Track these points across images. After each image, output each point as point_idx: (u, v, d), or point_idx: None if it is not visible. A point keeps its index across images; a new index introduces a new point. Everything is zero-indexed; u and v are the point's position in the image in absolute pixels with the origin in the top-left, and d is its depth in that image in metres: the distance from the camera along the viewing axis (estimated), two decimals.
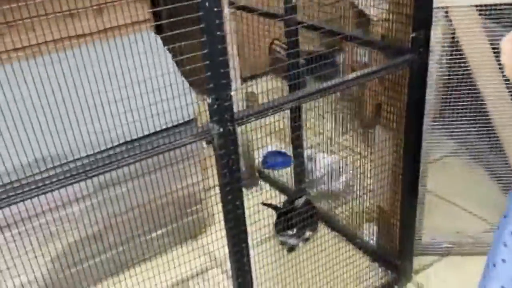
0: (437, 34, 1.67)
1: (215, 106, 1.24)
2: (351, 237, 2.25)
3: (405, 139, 1.73)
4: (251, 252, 1.61)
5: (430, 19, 1.53)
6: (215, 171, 1.35)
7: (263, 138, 2.97)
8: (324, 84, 1.46)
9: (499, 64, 1.71)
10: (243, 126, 2.47)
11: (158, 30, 2.16)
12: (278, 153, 3.01)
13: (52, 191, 1.13)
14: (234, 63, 2.31)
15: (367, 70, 1.50)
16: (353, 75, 1.48)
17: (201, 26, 1.13)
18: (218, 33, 1.16)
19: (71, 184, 1.15)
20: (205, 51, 1.17)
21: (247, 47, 2.80)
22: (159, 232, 2.20)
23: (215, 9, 1.13)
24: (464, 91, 1.88)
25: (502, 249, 1.00)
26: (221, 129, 1.28)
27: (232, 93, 1.26)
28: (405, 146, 1.75)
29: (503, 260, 1.00)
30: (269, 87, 2.76)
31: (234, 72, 2.33)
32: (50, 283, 1.96)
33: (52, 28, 1.91)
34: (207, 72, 1.19)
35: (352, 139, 2.43)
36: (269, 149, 3.01)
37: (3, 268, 1.73)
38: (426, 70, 1.60)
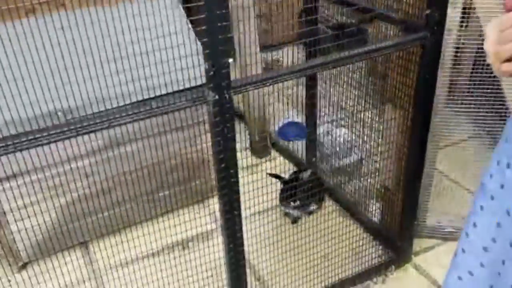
0: (456, 13, 1.60)
1: (211, 73, 1.24)
2: (356, 214, 2.25)
3: (413, 119, 1.69)
4: (254, 221, 1.64)
5: None
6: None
7: (280, 107, 2.99)
8: (329, 58, 1.43)
9: None
10: (258, 91, 2.51)
11: None
12: (295, 124, 2.99)
13: (56, 141, 1.17)
14: (250, 28, 2.28)
15: (375, 46, 1.45)
16: (359, 50, 1.44)
17: None
18: None
19: (67, 138, 1.18)
20: (203, 15, 1.16)
21: (277, 14, 2.75)
22: (167, 192, 2.25)
23: None
24: (482, 74, 1.81)
25: (478, 210, 1.00)
26: (217, 96, 1.28)
27: (230, 60, 1.25)
28: (413, 126, 1.71)
29: (475, 224, 1.00)
30: (295, 56, 2.74)
31: (249, 37, 2.31)
32: (57, 232, 2.05)
33: None
34: (204, 37, 1.19)
35: (370, 116, 2.39)
36: (287, 119, 3.01)
37: (14, 207, 1.82)
38: (440, 50, 1.55)
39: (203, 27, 1.17)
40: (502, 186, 0.91)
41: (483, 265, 0.97)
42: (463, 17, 1.63)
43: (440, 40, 1.53)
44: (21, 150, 1.13)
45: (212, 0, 1.14)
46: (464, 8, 1.63)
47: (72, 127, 1.15)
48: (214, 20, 1.17)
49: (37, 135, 1.14)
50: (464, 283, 1.02)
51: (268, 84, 1.36)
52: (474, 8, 1.60)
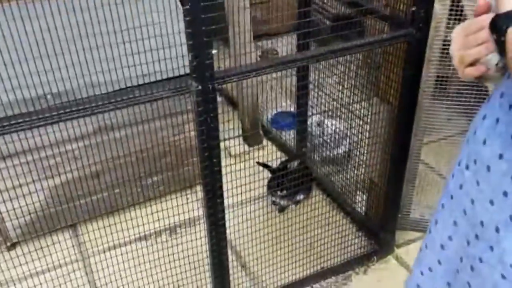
0: (444, 10, 1.61)
1: (195, 63, 1.26)
2: (342, 204, 2.28)
3: (398, 114, 1.71)
4: (241, 208, 1.67)
5: None
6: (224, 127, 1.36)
7: (273, 96, 3.00)
8: (316, 51, 1.44)
9: None
10: (251, 81, 2.53)
11: None
12: (288, 113, 3.01)
13: (40, 126, 1.20)
14: (245, 18, 2.29)
15: (359, 41, 1.47)
16: (346, 44, 1.45)
17: None
18: None
19: (52, 123, 1.21)
20: (187, 7, 1.17)
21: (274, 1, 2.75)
22: (155, 178, 2.28)
23: None
24: None
25: (440, 209, 1.03)
26: (200, 87, 1.30)
27: (213, 51, 1.27)
28: (398, 120, 1.73)
29: (436, 221, 1.03)
30: (290, 44, 2.75)
31: (244, 27, 2.32)
32: (46, 213, 2.09)
33: None
34: (187, 28, 1.20)
35: (358, 109, 2.41)
36: (280, 108, 3.03)
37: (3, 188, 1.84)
38: (425, 46, 1.56)
39: (187, 18, 1.18)
40: (460, 187, 0.94)
41: (440, 262, 1.00)
42: (452, 14, 1.64)
43: (425, 37, 1.54)
44: (9, 133, 1.15)
45: None
46: (452, 5, 1.63)
47: (55, 113, 1.18)
48: (197, 12, 1.18)
49: (25, 119, 1.17)
50: (424, 278, 1.06)
51: (253, 75, 1.38)
52: (462, 6, 1.61)
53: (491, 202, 0.85)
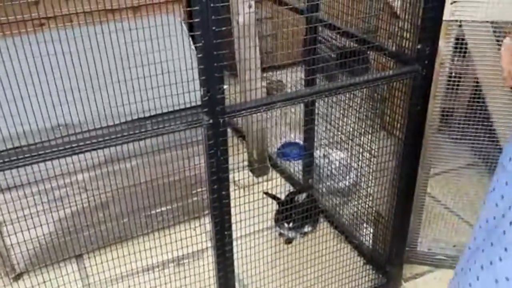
0: (448, 47, 1.65)
1: (207, 98, 1.29)
2: (349, 237, 2.27)
3: (404, 147, 1.73)
4: (249, 240, 1.67)
5: (437, 32, 1.52)
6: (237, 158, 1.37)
7: (279, 128, 3.03)
8: (317, 88, 1.48)
9: None
10: (257, 114, 2.56)
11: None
12: (295, 144, 3.04)
13: (53, 159, 1.22)
14: (255, 53, 2.34)
15: (366, 77, 1.50)
16: (351, 81, 1.48)
17: (194, 20, 1.16)
18: (214, 28, 1.20)
19: (64, 156, 1.23)
20: (199, 44, 1.21)
21: (280, 37, 2.82)
22: (163, 209, 2.29)
23: (211, 5, 1.16)
24: (477, 104, 1.84)
25: (494, 207, 1.04)
26: (211, 120, 1.32)
27: (225, 87, 1.30)
28: (404, 154, 1.74)
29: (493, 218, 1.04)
30: (298, 78, 2.79)
31: (253, 62, 2.36)
32: (53, 244, 2.09)
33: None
34: (200, 65, 1.24)
35: (365, 142, 2.43)
36: (287, 140, 3.05)
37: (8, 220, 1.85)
38: (430, 82, 1.59)
39: (199, 55, 1.22)
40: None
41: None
42: (456, 50, 1.68)
43: (431, 73, 1.57)
44: (18, 167, 1.17)
45: (208, 30, 1.19)
46: (457, 42, 1.67)
47: (68, 146, 1.20)
48: (210, 48, 1.22)
49: (35, 153, 1.19)
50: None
51: (262, 110, 1.41)
52: (467, 43, 1.65)
53: None
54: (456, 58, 1.69)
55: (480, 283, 1.04)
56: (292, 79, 2.80)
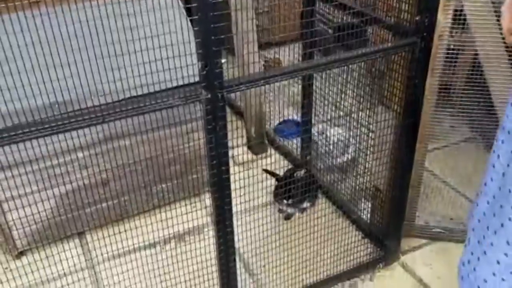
0: (447, 19, 1.63)
1: (204, 72, 1.28)
2: (347, 212, 2.29)
3: (402, 121, 1.73)
4: (248, 216, 1.69)
5: (436, 3, 1.50)
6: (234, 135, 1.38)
7: (278, 104, 3.03)
8: (320, 60, 1.47)
9: (508, 52, 1.68)
10: (257, 89, 2.56)
11: None
12: (292, 122, 3.04)
13: (51, 135, 1.22)
14: (252, 26, 2.32)
15: (364, 50, 1.49)
16: (348, 54, 1.48)
17: None
18: (210, 0, 1.19)
19: (62, 132, 1.23)
20: (196, 17, 1.20)
21: (279, 12, 2.79)
22: (163, 186, 2.30)
23: None
24: (476, 78, 1.84)
25: (491, 169, 1.05)
26: (209, 95, 1.32)
27: (223, 61, 1.29)
28: (402, 128, 1.75)
29: (491, 179, 1.06)
30: (295, 54, 2.78)
31: (250, 35, 2.35)
32: (54, 221, 2.10)
33: None
34: (197, 38, 1.23)
35: (363, 117, 2.43)
36: (285, 117, 3.05)
37: (10, 197, 1.86)
38: (429, 55, 1.58)
39: (196, 28, 1.21)
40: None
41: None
42: (455, 23, 1.67)
43: (429, 45, 1.56)
44: (17, 143, 1.18)
45: (205, 2, 1.18)
46: (455, 14, 1.66)
47: (67, 121, 1.20)
48: (207, 21, 1.21)
49: (33, 128, 1.19)
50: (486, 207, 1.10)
51: (261, 84, 1.41)
52: (465, 15, 1.63)
53: None
54: (454, 31, 1.68)
55: (494, 249, 1.06)
56: (290, 55, 2.79)
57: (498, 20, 1.63)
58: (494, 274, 1.08)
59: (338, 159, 2.47)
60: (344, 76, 2.13)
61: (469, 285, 1.16)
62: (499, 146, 1.04)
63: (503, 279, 1.08)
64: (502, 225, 1.02)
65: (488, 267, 1.08)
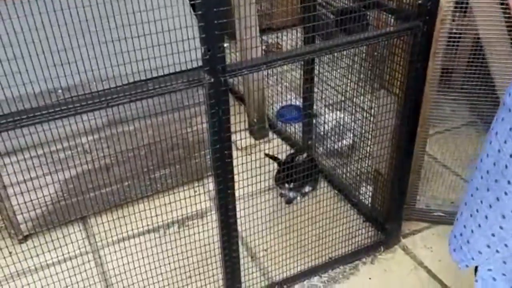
0: (449, 3, 1.63)
1: (207, 56, 1.29)
2: (348, 196, 2.31)
3: (404, 105, 1.74)
4: (249, 200, 1.70)
5: None
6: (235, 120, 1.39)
7: (279, 89, 3.03)
8: (322, 44, 1.47)
9: (509, 36, 1.68)
10: (258, 74, 2.56)
11: None
12: (293, 106, 3.04)
13: (55, 119, 1.23)
14: (250, 11, 2.31)
15: (366, 34, 1.49)
16: (351, 37, 1.47)
17: None
18: None
19: (66, 116, 1.24)
20: (199, 0, 1.20)
21: None
22: (166, 171, 2.31)
23: None
24: (477, 63, 1.84)
25: (488, 145, 1.08)
26: (212, 79, 1.32)
27: (225, 45, 1.29)
28: (403, 112, 1.76)
29: (487, 155, 1.08)
30: (294, 38, 2.77)
31: (251, 20, 2.34)
32: (57, 206, 2.12)
33: None
34: (200, 22, 1.23)
35: (365, 101, 2.44)
36: (285, 101, 3.05)
37: (15, 181, 1.87)
38: (431, 39, 1.58)
39: (199, 12, 1.21)
40: None
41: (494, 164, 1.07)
42: (457, 6, 1.66)
43: (431, 29, 1.56)
44: (21, 127, 1.18)
45: None
46: None
47: (71, 106, 1.21)
48: (210, 6, 1.21)
49: (37, 113, 1.20)
50: (480, 182, 1.12)
51: (263, 68, 1.41)
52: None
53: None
54: (457, 15, 1.67)
55: (489, 222, 1.07)
56: (291, 40, 2.79)
57: (502, 4, 1.62)
58: (488, 246, 1.11)
59: (340, 143, 2.48)
60: (346, 61, 2.13)
61: (463, 256, 1.18)
62: (498, 123, 1.05)
63: (497, 251, 1.10)
64: (497, 199, 1.04)
65: (483, 239, 1.10)
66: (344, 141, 2.47)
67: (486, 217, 1.08)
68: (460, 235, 1.18)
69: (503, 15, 1.65)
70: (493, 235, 1.08)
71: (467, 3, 1.65)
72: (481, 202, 1.09)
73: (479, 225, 1.10)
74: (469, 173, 1.19)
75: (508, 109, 1.02)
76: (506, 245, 1.08)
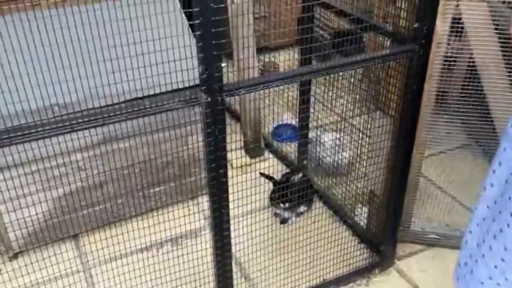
0: (445, 27, 1.65)
1: (205, 76, 1.29)
2: (343, 217, 2.30)
3: (399, 127, 1.75)
4: (244, 219, 1.69)
5: (435, 11, 1.52)
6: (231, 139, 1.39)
7: (275, 109, 3.04)
8: (318, 66, 1.48)
9: (504, 60, 1.70)
10: (253, 94, 2.56)
11: None
12: (289, 126, 3.04)
13: (50, 137, 1.22)
14: (247, 32, 2.33)
15: (362, 57, 1.50)
16: (348, 59, 1.49)
17: None
18: (212, 5, 1.19)
19: (61, 134, 1.23)
20: (198, 21, 1.21)
21: (277, 17, 2.81)
22: (159, 188, 2.29)
23: None
24: (472, 86, 1.86)
25: (491, 174, 1.06)
26: (209, 99, 1.33)
27: (223, 65, 1.30)
28: (399, 134, 1.76)
29: (491, 185, 1.06)
30: (291, 59, 2.79)
31: (248, 40, 2.36)
32: (49, 223, 2.10)
33: None
34: (198, 42, 1.23)
35: (361, 122, 2.44)
36: (281, 121, 3.06)
37: (7, 198, 1.85)
38: (426, 62, 1.60)
39: (198, 32, 1.21)
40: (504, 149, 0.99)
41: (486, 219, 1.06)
42: (453, 30, 1.68)
43: (427, 53, 1.58)
44: (16, 144, 1.17)
45: (206, 7, 1.18)
46: (453, 22, 1.68)
47: (67, 123, 1.20)
48: (208, 26, 1.21)
49: (33, 130, 1.19)
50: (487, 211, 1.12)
51: (260, 88, 1.41)
52: (463, 23, 1.65)
53: None
54: (452, 38, 1.69)
55: (492, 253, 1.07)
56: (287, 60, 2.81)
57: (496, 29, 1.65)
58: (490, 278, 1.10)
59: (335, 164, 2.47)
60: (342, 82, 2.14)
61: (465, 286, 1.17)
62: (501, 152, 1.05)
63: (498, 284, 1.09)
64: (501, 230, 1.03)
65: (486, 270, 1.10)
66: (340, 161, 2.47)
67: (491, 247, 1.07)
68: (465, 265, 1.18)
69: (497, 39, 1.67)
70: (495, 267, 1.08)
71: (461, 27, 1.67)
72: (487, 232, 1.08)
73: (483, 255, 1.10)
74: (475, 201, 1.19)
75: (510, 139, 1.02)
76: (506, 279, 1.07)
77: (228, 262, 1.66)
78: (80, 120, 1.21)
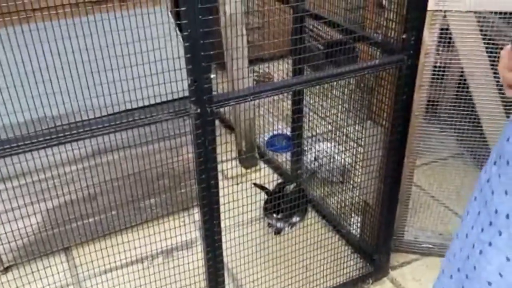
0: (433, 37, 1.66)
1: (193, 87, 1.29)
2: (337, 227, 2.30)
3: (390, 136, 1.75)
4: (237, 230, 1.68)
5: (422, 22, 1.53)
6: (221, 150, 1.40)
7: (269, 119, 3.04)
8: (310, 76, 1.48)
9: (493, 70, 1.71)
10: (247, 104, 2.57)
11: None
12: (283, 136, 3.05)
13: (39, 149, 1.22)
14: (242, 42, 2.34)
15: (353, 67, 1.51)
16: (338, 70, 1.49)
17: (181, 9, 1.16)
18: (200, 17, 1.20)
19: (51, 146, 1.22)
20: (186, 33, 1.21)
21: (270, 28, 2.82)
22: (151, 200, 2.29)
23: None
24: (463, 95, 1.87)
25: (472, 200, 1.06)
26: (199, 110, 1.33)
27: (212, 76, 1.30)
28: (390, 143, 1.76)
29: (468, 212, 1.07)
30: (284, 69, 2.80)
31: (242, 51, 2.37)
32: (40, 236, 2.08)
33: None
34: (186, 54, 1.24)
35: (353, 131, 2.45)
36: (276, 131, 3.06)
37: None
38: (416, 72, 1.61)
39: (186, 44, 1.22)
40: (488, 180, 0.98)
41: (461, 250, 1.05)
42: (441, 41, 1.70)
43: (416, 63, 1.59)
44: (4, 157, 1.17)
45: (194, 19, 1.19)
46: (441, 32, 1.69)
47: (55, 136, 1.19)
48: (197, 38, 1.22)
49: (22, 143, 1.19)
50: (448, 264, 1.11)
51: (250, 99, 1.41)
52: (451, 33, 1.66)
53: (506, 192, 0.91)
54: (441, 49, 1.70)
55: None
56: (280, 70, 2.82)
57: (483, 39, 1.66)
58: None
59: (328, 173, 2.47)
60: (334, 92, 2.15)
61: None
62: (489, 169, 1.04)
63: None
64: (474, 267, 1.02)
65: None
66: (333, 171, 2.47)
67: (474, 267, 1.06)
68: (458, 271, 1.16)
69: (485, 50, 1.69)
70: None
71: (450, 38, 1.68)
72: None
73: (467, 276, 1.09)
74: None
75: (507, 161, 1.02)
76: None
77: (221, 273, 1.65)
78: (68, 133, 1.20)
